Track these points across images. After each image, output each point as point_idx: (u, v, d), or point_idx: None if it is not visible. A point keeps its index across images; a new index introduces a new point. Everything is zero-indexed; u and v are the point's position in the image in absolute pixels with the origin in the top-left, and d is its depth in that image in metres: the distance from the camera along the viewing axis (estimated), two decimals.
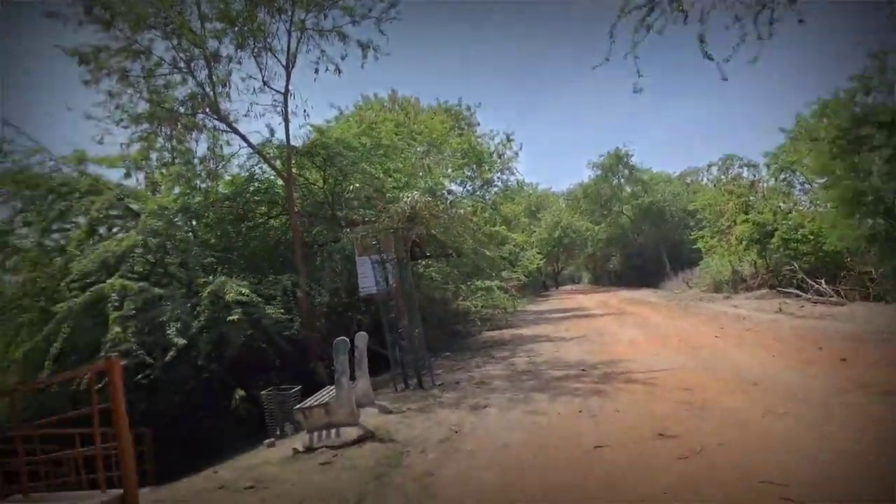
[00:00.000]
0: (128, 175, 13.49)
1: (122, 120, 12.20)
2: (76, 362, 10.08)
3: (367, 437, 6.90)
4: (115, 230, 12.72)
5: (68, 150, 12.73)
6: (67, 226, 12.52)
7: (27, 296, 11.39)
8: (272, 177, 13.70)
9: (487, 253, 14.13)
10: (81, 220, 12.41)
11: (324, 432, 6.96)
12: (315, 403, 7.23)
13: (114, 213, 12.82)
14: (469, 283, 16.82)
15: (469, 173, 22.88)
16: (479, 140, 25.57)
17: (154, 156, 13.76)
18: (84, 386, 8.69)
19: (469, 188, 23.42)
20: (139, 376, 9.61)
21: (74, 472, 8.08)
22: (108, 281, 9.99)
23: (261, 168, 13.60)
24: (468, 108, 28.65)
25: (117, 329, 9.30)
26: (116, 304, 9.70)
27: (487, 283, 17.69)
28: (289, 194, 12.47)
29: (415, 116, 23.09)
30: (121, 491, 4.84)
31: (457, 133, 23.38)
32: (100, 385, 6.66)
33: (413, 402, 8.75)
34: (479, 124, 28.87)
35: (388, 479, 5.50)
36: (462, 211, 12.19)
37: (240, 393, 13.23)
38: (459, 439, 6.58)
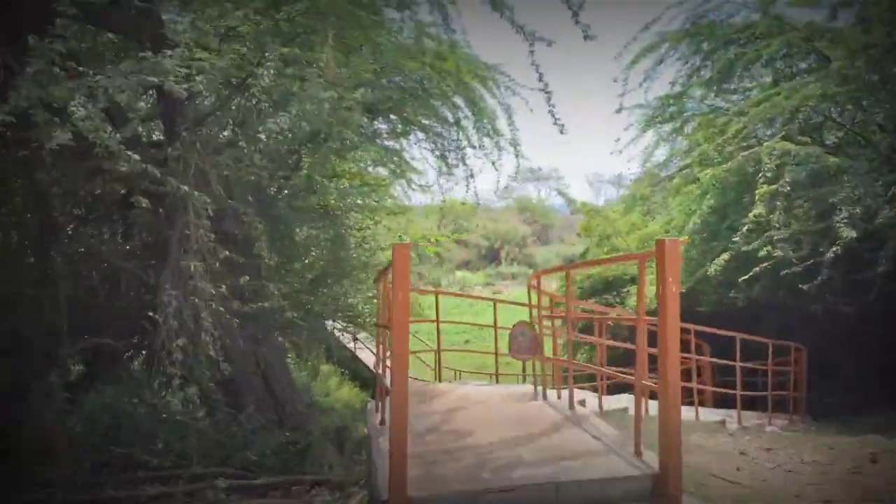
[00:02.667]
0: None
1: None
2: None
3: None
4: None
5: None
6: (751, 85, 10.82)
7: (695, 164, 10.61)
8: None
9: None
10: (767, 77, 10.40)
11: None
12: None
13: (802, 64, 10.16)
14: None
15: None
16: None
17: None
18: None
19: None
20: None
21: None
22: (766, 143, 7.82)
23: None
24: None
25: (760, 209, 7.20)
26: (769, 174, 7.49)
27: None
28: None
29: None
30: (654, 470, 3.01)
31: None
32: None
33: None
34: None
35: None
36: None
37: None
38: None
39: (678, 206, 12.57)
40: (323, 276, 10.23)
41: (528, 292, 4.96)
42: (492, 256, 34.24)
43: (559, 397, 4.73)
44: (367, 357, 16.65)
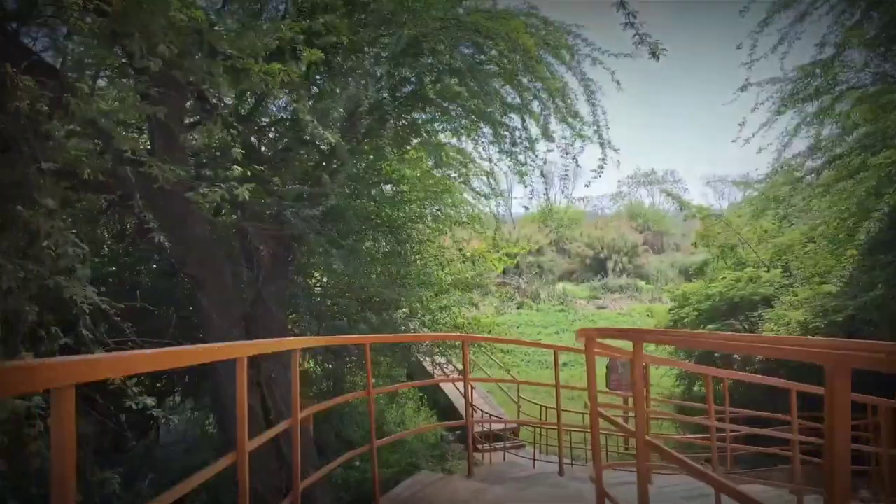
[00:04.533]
0: None
1: None
2: None
3: None
4: None
5: None
6: None
7: (854, 152, 7.98)
8: None
9: None
10: None
11: None
12: None
13: None
14: None
15: None
16: None
17: None
18: None
19: None
20: None
21: None
22: None
23: None
24: None
25: None
26: None
27: None
28: None
29: None
30: None
31: None
32: None
33: None
34: None
35: None
36: None
37: None
38: None
39: (828, 207, 9.79)
40: (374, 296, 8.81)
41: (587, 359, 2.92)
42: (598, 267, 31.40)
43: None
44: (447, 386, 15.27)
